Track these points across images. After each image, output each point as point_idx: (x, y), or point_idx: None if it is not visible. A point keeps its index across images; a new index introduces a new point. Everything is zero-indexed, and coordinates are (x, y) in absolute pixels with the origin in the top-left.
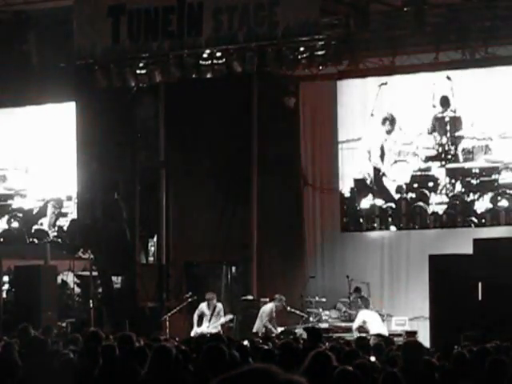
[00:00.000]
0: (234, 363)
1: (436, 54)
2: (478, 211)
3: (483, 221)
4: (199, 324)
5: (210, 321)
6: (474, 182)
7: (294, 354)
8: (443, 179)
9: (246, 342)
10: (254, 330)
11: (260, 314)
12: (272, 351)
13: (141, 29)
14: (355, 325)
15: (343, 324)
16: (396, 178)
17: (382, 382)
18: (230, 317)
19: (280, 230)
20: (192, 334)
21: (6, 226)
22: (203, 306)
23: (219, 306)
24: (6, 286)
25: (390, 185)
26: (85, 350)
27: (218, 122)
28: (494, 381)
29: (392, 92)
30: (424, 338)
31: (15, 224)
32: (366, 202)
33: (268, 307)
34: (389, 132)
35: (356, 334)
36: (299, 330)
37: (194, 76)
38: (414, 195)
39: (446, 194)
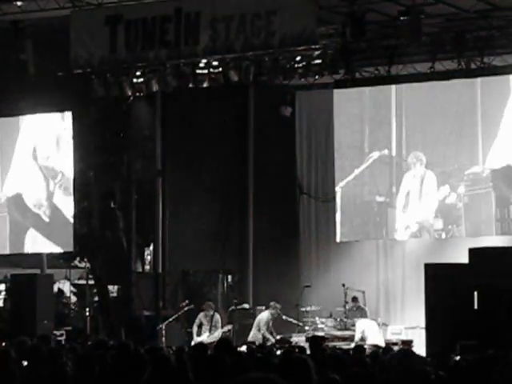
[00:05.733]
0: (236, 373)
1: (432, 64)
2: (473, 220)
3: (478, 230)
4: (199, 334)
5: (209, 331)
6: (469, 190)
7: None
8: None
9: (243, 348)
10: (250, 339)
11: (256, 322)
12: (267, 359)
13: (138, 38)
14: (357, 337)
15: (339, 333)
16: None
17: None
18: (228, 327)
19: (276, 239)
20: (192, 343)
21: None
22: (201, 316)
23: (217, 316)
24: (2, 295)
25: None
26: (81, 359)
27: (215, 131)
28: None
29: (389, 101)
30: (420, 347)
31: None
32: (362, 210)
33: (264, 315)
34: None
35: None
36: (295, 339)
37: (190, 85)
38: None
39: (442, 202)
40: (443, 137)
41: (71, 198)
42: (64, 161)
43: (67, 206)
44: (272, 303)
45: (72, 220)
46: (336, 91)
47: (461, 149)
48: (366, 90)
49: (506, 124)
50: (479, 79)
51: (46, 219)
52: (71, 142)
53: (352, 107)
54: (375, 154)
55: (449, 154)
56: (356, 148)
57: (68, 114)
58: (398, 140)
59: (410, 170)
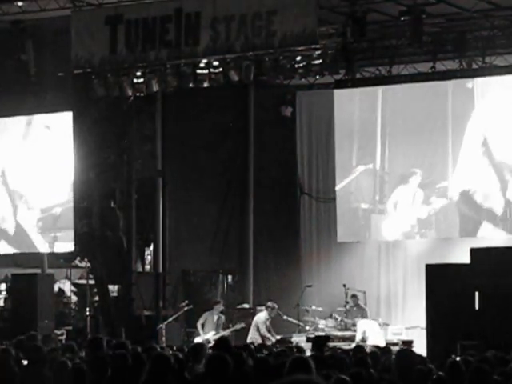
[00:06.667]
0: (237, 372)
1: (433, 64)
2: (474, 220)
3: (480, 230)
4: (204, 332)
5: (215, 329)
6: (439, 200)
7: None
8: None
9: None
10: (249, 340)
11: (254, 323)
12: (267, 359)
13: (138, 38)
14: (358, 337)
15: (340, 333)
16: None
17: None
18: (242, 325)
19: (276, 239)
20: (199, 340)
21: None
22: (207, 315)
23: (223, 317)
24: (3, 294)
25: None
26: (92, 359)
27: (215, 131)
28: None
29: (389, 101)
30: (420, 347)
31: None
32: (362, 211)
33: (262, 316)
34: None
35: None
36: (295, 339)
37: (191, 85)
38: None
39: (420, 210)
40: (421, 150)
41: (33, 213)
42: (30, 184)
43: (29, 222)
44: (269, 303)
45: (32, 234)
46: (336, 91)
47: (434, 163)
48: (356, 98)
49: (468, 139)
50: (450, 90)
51: (12, 233)
52: (71, 141)
53: (351, 108)
54: (361, 168)
55: (425, 167)
56: (345, 160)
57: (69, 114)
58: (382, 155)
59: (404, 183)
